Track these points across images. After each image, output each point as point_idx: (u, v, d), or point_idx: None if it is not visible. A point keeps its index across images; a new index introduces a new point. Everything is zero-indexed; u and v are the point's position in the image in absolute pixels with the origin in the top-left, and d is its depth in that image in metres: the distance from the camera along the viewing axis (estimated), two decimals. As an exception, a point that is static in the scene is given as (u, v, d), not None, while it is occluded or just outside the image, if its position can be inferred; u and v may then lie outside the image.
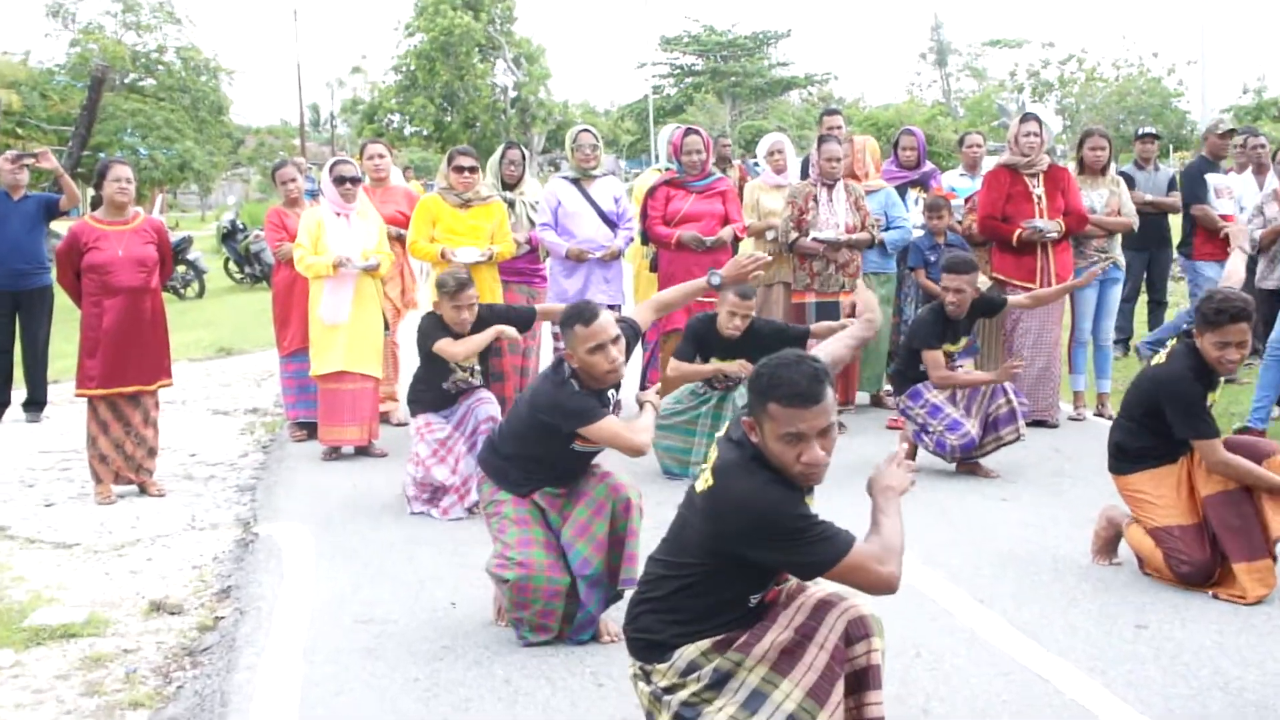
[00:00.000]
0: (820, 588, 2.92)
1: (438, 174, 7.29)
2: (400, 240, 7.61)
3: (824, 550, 2.74)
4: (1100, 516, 4.79)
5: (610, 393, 3.96)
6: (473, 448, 5.65)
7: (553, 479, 4.05)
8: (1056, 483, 6.05)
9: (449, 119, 48.91)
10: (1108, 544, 4.75)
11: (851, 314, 6.02)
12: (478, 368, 5.86)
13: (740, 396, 6.12)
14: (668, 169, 7.81)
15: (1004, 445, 6.11)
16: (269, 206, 8.04)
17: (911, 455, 6.38)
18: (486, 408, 5.72)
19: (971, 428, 6.03)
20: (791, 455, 2.73)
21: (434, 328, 5.75)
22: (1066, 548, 4.96)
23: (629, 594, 3.63)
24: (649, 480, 6.06)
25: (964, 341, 6.27)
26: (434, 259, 6.99)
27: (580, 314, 3.81)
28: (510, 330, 5.74)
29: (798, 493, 2.80)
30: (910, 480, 2.95)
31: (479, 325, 5.76)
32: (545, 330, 7.53)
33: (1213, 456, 4.36)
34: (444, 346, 5.66)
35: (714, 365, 6.11)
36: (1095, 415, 7.59)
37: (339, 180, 6.83)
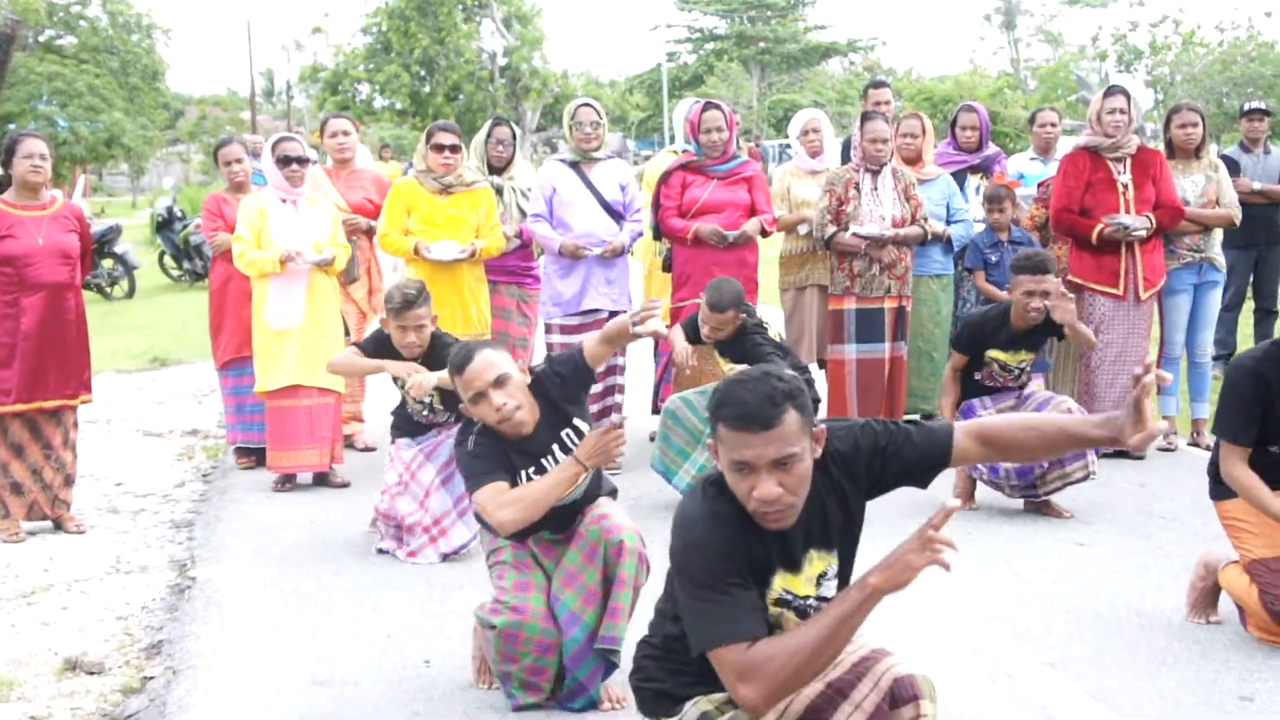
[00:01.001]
0: (865, 640, 2.92)
1: (415, 154, 7.33)
2: (369, 232, 7.64)
3: (698, 626, 2.71)
4: (1198, 565, 4.78)
5: (613, 416, 4.01)
6: (447, 481, 5.67)
7: (544, 524, 4.09)
8: (1143, 524, 6.04)
9: (427, 90, 49.05)
10: (1206, 597, 4.74)
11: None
12: (434, 404, 5.82)
13: None
14: (684, 151, 7.83)
15: (1071, 484, 6.12)
16: (213, 190, 8.06)
17: (969, 494, 6.40)
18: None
19: None
20: (743, 488, 2.72)
21: (376, 344, 5.80)
22: (1155, 602, 4.96)
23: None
24: (651, 517, 6.04)
25: (1025, 355, 6.27)
26: (407, 254, 7.03)
27: (455, 361, 3.96)
28: (423, 380, 5.58)
29: (754, 538, 2.77)
30: (927, 562, 2.59)
31: (433, 355, 5.74)
32: (541, 330, 7.54)
33: (1225, 463, 4.44)
34: (334, 360, 5.94)
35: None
36: (1190, 445, 7.59)
37: (283, 161, 6.87)
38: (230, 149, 7.60)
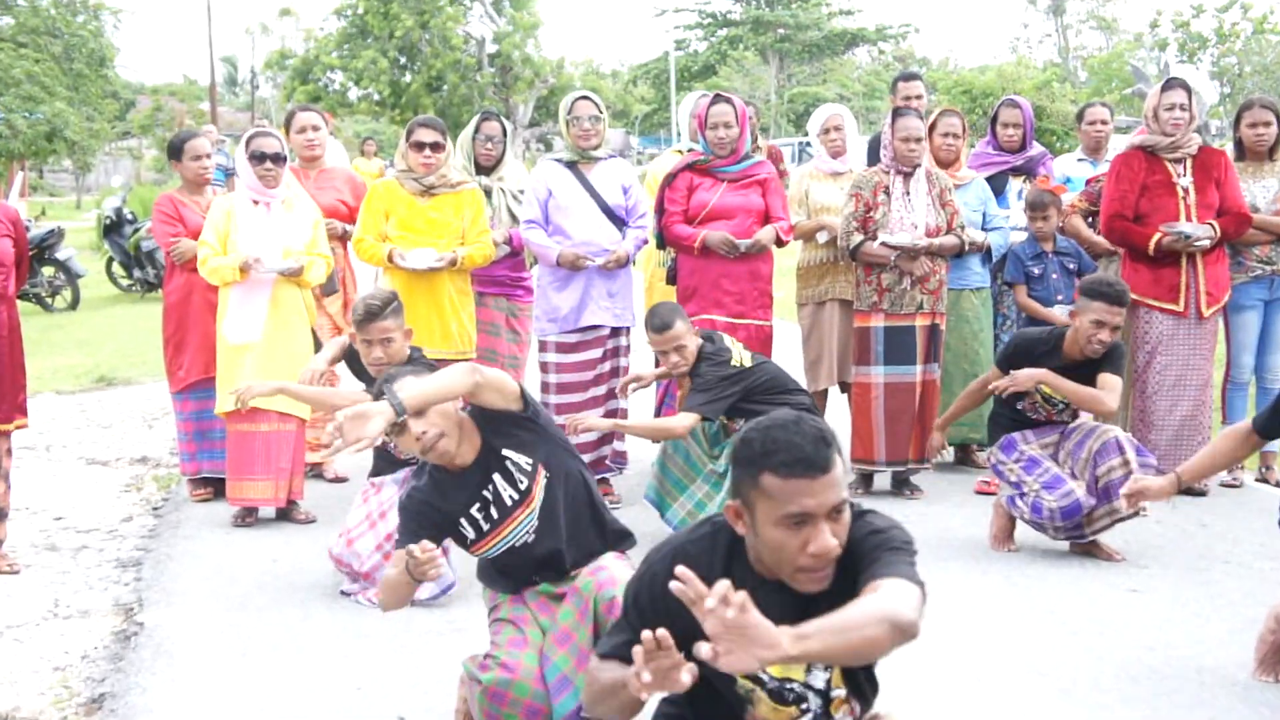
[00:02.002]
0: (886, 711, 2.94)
1: (396, 153, 7.36)
2: (343, 238, 7.66)
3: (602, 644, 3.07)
4: (1269, 616, 4.77)
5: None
6: None
7: (538, 575, 4.15)
8: (1204, 569, 6.05)
9: (407, 79, 49.19)
10: (1276, 653, 4.73)
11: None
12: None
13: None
14: (691, 149, 7.85)
15: (1120, 521, 6.12)
16: (167, 190, 8.06)
17: (1008, 535, 6.41)
18: None
19: (1077, 488, 6.04)
20: (795, 545, 2.71)
21: (350, 358, 5.83)
22: (1217, 657, 4.96)
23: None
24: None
25: None
26: (381, 263, 7.07)
27: (374, 391, 4.08)
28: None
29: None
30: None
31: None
32: (535, 348, 7.56)
33: None
34: (297, 389, 5.99)
35: None
36: (1258, 481, 7.60)
37: (257, 158, 6.90)
38: (197, 143, 7.58)
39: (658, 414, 7.71)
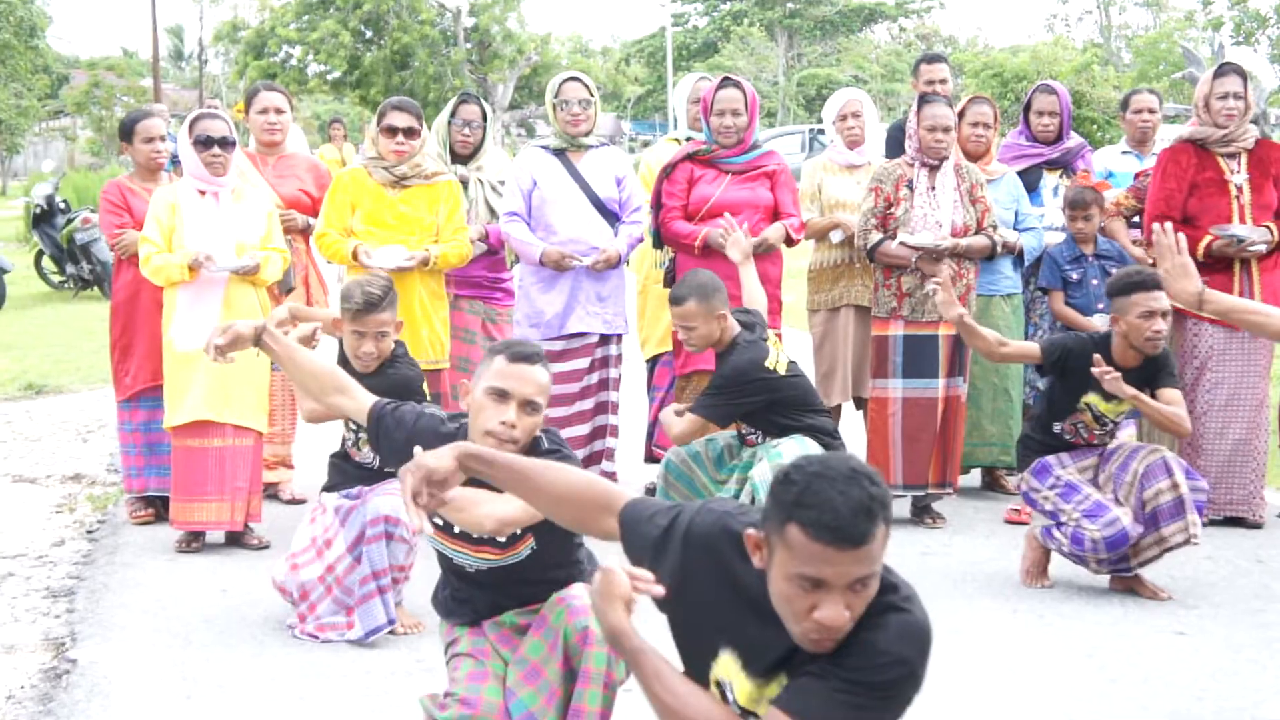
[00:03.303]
0: None
1: (365, 138, 7.36)
2: (305, 232, 7.68)
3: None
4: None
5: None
6: (359, 560, 5.65)
7: (504, 603, 4.17)
8: (1260, 610, 6.07)
9: (370, 54, 49.15)
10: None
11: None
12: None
13: (760, 473, 6.20)
14: (689, 138, 7.87)
15: (1169, 550, 6.13)
16: (108, 177, 8.05)
17: (1042, 569, 6.43)
18: (380, 502, 5.64)
19: (1122, 515, 6.05)
20: (801, 607, 2.73)
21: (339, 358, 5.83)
22: (1275, 707, 4.97)
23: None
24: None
25: (1124, 405, 6.29)
26: (345, 260, 7.08)
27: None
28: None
29: (749, 616, 2.93)
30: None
31: (388, 373, 5.79)
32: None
33: None
34: None
35: None
36: (1320, 513, 7.61)
37: (202, 142, 6.91)
38: (150, 124, 7.56)
39: (651, 434, 7.73)
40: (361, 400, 4.22)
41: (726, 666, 2.95)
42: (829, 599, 2.70)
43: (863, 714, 2.76)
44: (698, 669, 3.02)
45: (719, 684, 2.98)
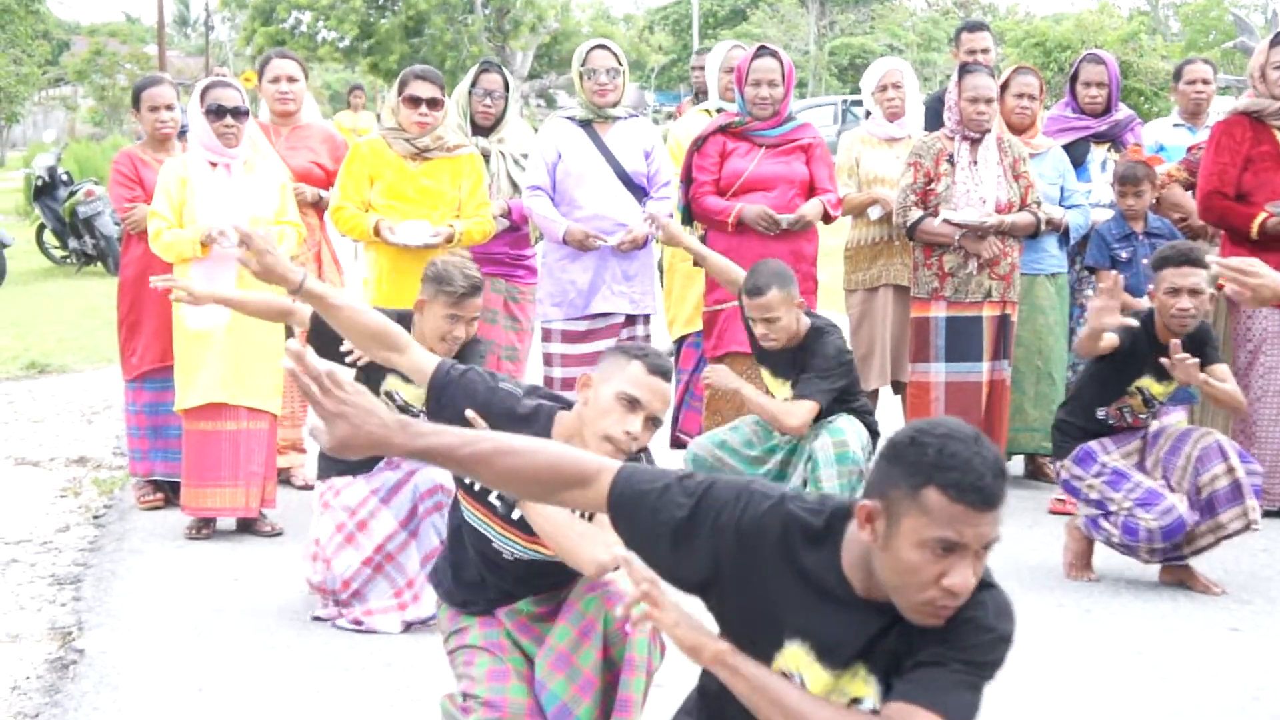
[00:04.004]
0: None
1: (384, 106, 7.34)
2: (318, 206, 7.69)
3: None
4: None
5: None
6: (416, 535, 5.69)
7: (522, 590, 4.15)
8: (1316, 605, 6.05)
9: (383, 21, 49.13)
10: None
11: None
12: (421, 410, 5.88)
13: (822, 447, 6.19)
14: (720, 110, 7.85)
15: (1226, 538, 6.11)
16: (112, 148, 8.05)
17: (1086, 561, 6.41)
18: (427, 474, 5.68)
19: (1178, 502, 6.02)
20: (930, 574, 2.75)
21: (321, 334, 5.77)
22: (1330, 706, 4.96)
23: None
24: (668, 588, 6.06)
25: (1173, 384, 6.28)
26: (365, 235, 7.06)
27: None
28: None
29: (826, 606, 2.90)
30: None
31: (462, 359, 5.79)
32: (537, 337, 7.60)
33: None
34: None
35: None
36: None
37: (215, 112, 6.90)
38: (158, 91, 7.57)
39: (675, 418, 7.72)
40: (421, 360, 4.11)
41: (795, 658, 2.94)
42: (960, 564, 2.74)
43: (976, 694, 2.83)
44: (759, 661, 3.00)
45: (785, 676, 2.97)
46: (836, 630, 2.89)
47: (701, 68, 9.80)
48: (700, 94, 9.80)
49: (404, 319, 5.60)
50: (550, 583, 4.15)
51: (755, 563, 2.93)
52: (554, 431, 3.92)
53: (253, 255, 4.03)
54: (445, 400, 4.00)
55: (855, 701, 2.94)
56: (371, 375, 5.65)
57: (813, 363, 6.23)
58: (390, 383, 5.73)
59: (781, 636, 2.92)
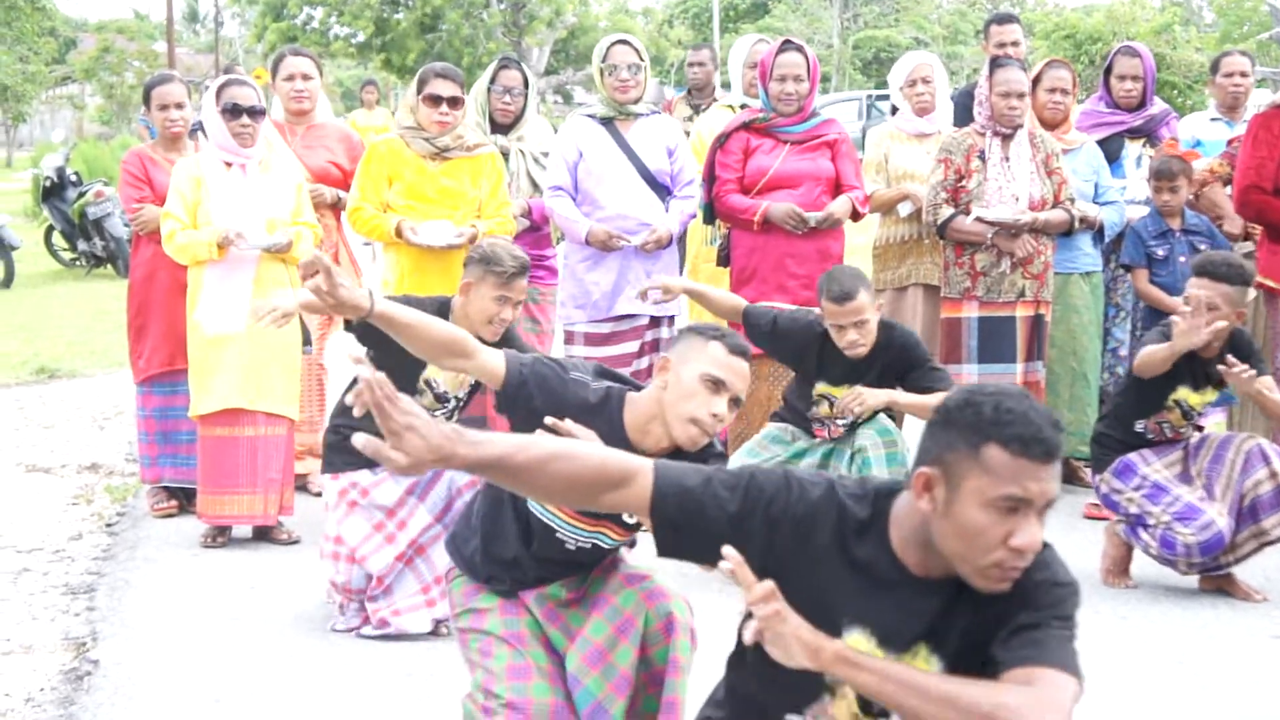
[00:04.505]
0: None
1: (401, 104, 7.35)
2: (335, 206, 7.71)
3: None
4: None
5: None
6: (449, 529, 5.69)
7: (550, 570, 4.13)
8: (1364, 613, 6.03)
9: (398, 17, 49.20)
10: None
11: None
12: (459, 396, 5.90)
13: (873, 445, 6.21)
14: (743, 106, 7.85)
15: (1268, 544, 6.12)
16: (120, 147, 8.08)
17: (1124, 568, 6.40)
18: None
19: (1217, 516, 6.01)
20: (998, 534, 2.77)
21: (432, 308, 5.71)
22: (1377, 716, 4.95)
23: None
24: (700, 586, 6.06)
25: (1212, 393, 6.26)
26: (385, 236, 7.07)
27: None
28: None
29: (881, 590, 2.91)
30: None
31: (506, 344, 5.81)
32: (559, 339, 7.60)
33: None
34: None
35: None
36: None
37: (231, 111, 6.91)
38: (169, 89, 7.61)
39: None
40: (491, 362, 4.05)
41: (857, 645, 2.93)
42: (1026, 521, 2.77)
43: (1075, 648, 2.87)
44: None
45: None
46: (896, 615, 2.90)
47: (698, 64, 9.84)
48: (693, 90, 9.82)
49: (443, 305, 5.66)
50: (589, 570, 4.15)
51: (809, 552, 2.94)
52: (626, 414, 3.93)
53: (323, 285, 3.96)
54: (521, 398, 3.97)
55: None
56: (409, 364, 5.66)
57: (909, 356, 6.19)
58: (430, 371, 5.75)
59: (840, 626, 2.92)
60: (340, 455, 5.82)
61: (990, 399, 2.79)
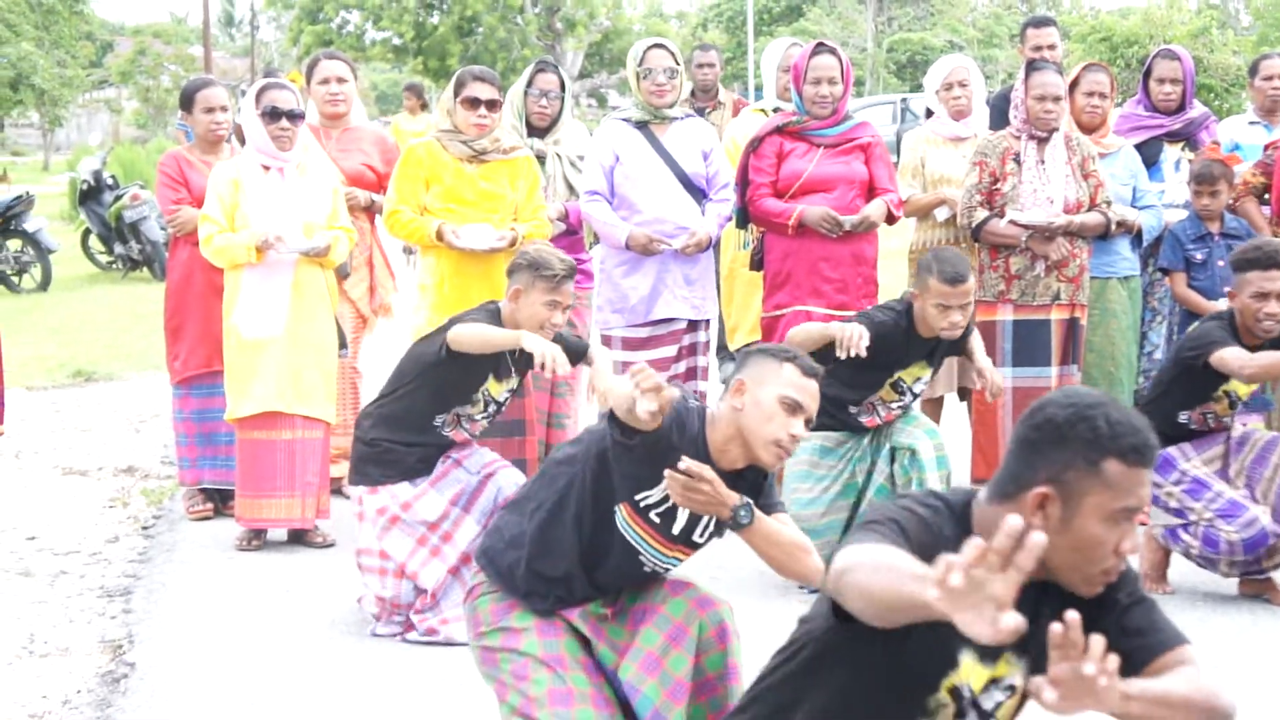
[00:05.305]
0: None
1: (438, 107, 7.34)
2: (370, 210, 7.73)
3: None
4: None
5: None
6: None
7: (602, 589, 4.12)
8: None
9: (435, 21, 49.32)
10: None
11: None
12: (501, 401, 5.90)
13: (924, 447, 6.21)
14: (777, 108, 7.84)
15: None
16: (156, 150, 8.11)
17: (1162, 573, 6.37)
18: (509, 475, 5.75)
19: (1261, 514, 5.99)
20: (1112, 544, 2.82)
21: (489, 317, 5.69)
22: None
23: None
24: (737, 589, 6.06)
25: (1254, 384, 6.24)
26: (426, 240, 7.03)
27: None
28: (561, 360, 5.54)
29: None
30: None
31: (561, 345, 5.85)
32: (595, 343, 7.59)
33: None
34: (464, 331, 5.56)
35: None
36: None
37: (270, 114, 6.93)
38: (211, 93, 7.66)
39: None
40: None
41: (968, 671, 2.97)
42: (1131, 526, 2.84)
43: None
44: (928, 687, 3.00)
45: (954, 691, 3.00)
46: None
47: (707, 64, 9.84)
48: (697, 92, 9.80)
49: (493, 313, 5.70)
50: (642, 585, 4.16)
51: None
52: (709, 434, 3.95)
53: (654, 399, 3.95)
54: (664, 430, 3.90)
55: (995, 681, 3.00)
56: (471, 376, 5.72)
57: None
58: (490, 383, 5.79)
59: (957, 654, 2.93)
60: (377, 468, 5.82)
61: (1097, 412, 2.81)
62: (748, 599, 6.00)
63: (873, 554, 2.71)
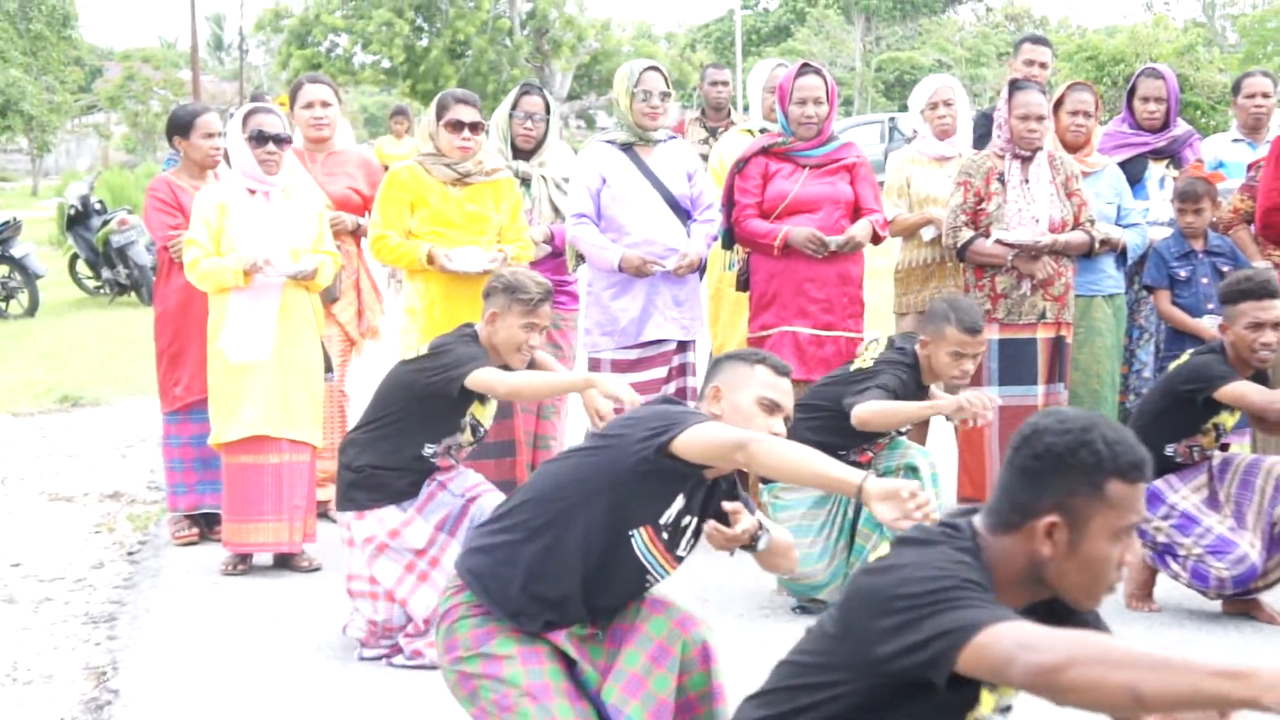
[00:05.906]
0: None
1: (420, 130, 7.34)
2: (355, 233, 7.72)
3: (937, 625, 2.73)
4: None
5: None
6: None
7: (596, 609, 4.09)
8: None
9: (424, 44, 49.40)
10: None
11: None
12: (486, 426, 5.92)
13: (924, 464, 6.25)
14: (764, 129, 7.85)
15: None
16: (145, 176, 8.10)
17: (1148, 592, 6.38)
18: (491, 499, 5.72)
19: (1249, 548, 5.99)
20: (1117, 560, 2.88)
21: (468, 347, 5.69)
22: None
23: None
24: (725, 611, 6.05)
25: (1238, 413, 6.24)
26: (414, 264, 7.01)
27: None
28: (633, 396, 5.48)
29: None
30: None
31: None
32: (584, 367, 7.58)
33: None
34: (488, 376, 5.53)
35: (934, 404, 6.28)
36: None
37: (257, 138, 6.95)
38: (210, 119, 7.68)
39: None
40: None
41: (987, 702, 2.98)
42: (1131, 539, 2.89)
43: None
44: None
45: None
46: None
47: (721, 82, 9.88)
48: (708, 111, 9.88)
49: (473, 336, 5.72)
50: (614, 600, 4.13)
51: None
52: None
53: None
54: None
55: (1001, 704, 3.02)
56: (459, 403, 5.70)
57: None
58: (474, 408, 5.79)
59: (980, 687, 2.92)
60: (364, 493, 5.80)
61: (1094, 434, 2.85)
62: (736, 620, 6.00)
63: (1102, 649, 2.59)
